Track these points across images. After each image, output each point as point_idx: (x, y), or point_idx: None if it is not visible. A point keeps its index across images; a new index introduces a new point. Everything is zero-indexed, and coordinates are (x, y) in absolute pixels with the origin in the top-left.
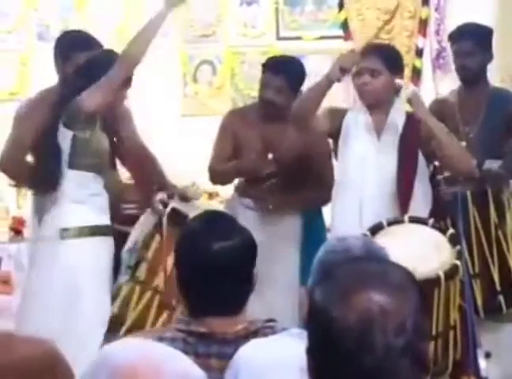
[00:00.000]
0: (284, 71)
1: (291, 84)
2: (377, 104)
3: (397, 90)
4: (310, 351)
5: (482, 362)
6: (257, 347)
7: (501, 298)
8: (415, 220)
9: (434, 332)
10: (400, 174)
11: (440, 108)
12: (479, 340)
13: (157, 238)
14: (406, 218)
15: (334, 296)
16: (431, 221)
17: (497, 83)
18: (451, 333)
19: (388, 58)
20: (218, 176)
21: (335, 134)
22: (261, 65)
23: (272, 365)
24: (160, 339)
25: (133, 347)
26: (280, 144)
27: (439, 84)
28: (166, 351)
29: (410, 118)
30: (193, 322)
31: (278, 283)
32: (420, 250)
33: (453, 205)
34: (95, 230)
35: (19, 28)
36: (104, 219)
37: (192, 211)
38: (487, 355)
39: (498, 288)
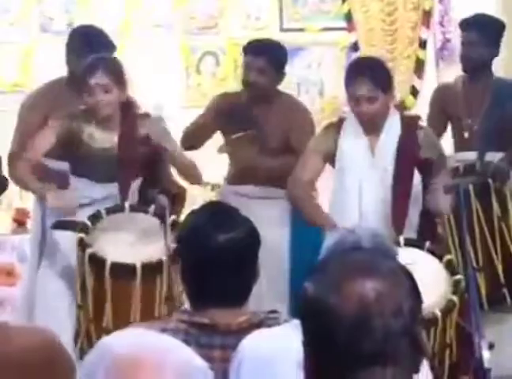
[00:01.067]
0: (264, 52)
1: (273, 65)
2: (376, 125)
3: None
4: (307, 344)
5: (485, 353)
6: (261, 338)
7: (505, 290)
8: (410, 243)
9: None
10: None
11: (443, 95)
12: (482, 332)
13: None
14: (401, 240)
15: (327, 286)
16: (427, 244)
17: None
18: (447, 351)
19: (381, 80)
20: (185, 138)
21: (331, 154)
22: (242, 50)
23: (275, 356)
24: (163, 330)
25: (134, 338)
26: (265, 126)
27: (443, 75)
28: (168, 342)
29: (405, 121)
30: (195, 313)
31: (267, 270)
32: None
33: (456, 199)
34: None
35: (22, 20)
36: None
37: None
38: (491, 346)
39: (503, 281)
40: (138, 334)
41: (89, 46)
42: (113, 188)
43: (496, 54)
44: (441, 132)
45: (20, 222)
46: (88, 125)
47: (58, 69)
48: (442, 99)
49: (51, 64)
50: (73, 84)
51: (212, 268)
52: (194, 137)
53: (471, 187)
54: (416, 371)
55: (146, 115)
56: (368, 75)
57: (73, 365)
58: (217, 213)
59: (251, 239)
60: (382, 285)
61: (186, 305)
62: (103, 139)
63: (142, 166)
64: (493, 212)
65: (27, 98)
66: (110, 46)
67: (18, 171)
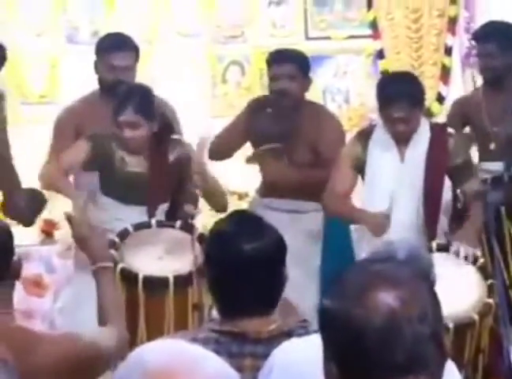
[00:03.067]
0: (291, 59)
1: (301, 71)
2: (408, 138)
3: None
4: (331, 359)
5: None
6: (291, 348)
7: None
8: (443, 248)
9: (465, 361)
10: (426, 197)
11: (463, 108)
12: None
13: None
14: (434, 246)
15: (349, 299)
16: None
17: None
18: (480, 356)
19: (418, 100)
20: (214, 149)
21: (361, 162)
22: (266, 61)
23: (305, 367)
24: (194, 340)
25: (166, 348)
26: (294, 138)
27: (469, 81)
28: (199, 352)
29: (434, 129)
30: (225, 322)
31: (298, 285)
32: (450, 287)
33: (485, 213)
34: None
35: (48, 30)
36: None
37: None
38: None
39: None
40: (169, 345)
41: (111, 47)
42: (141, 210)
43: None
44: None
45: (47, 233)
46: (119, 148)
47: (85, 79)
48: (462, 112)
49: (78, 75)
50: (105, 94)
51: (241, 276)
52: (223, 148)
53: (503, 208)
54: (441, 376)
55: (178, 141)
56: (406, 98)
57: (103, 362)
58: (244, 222)
59: (278, 247)
60: (404, 292)
61: (215, 315)
62: (134, 163)
63: (171, 189)
64: None
65: (61, 112)
66: (131, 46)
67: (49, 174)
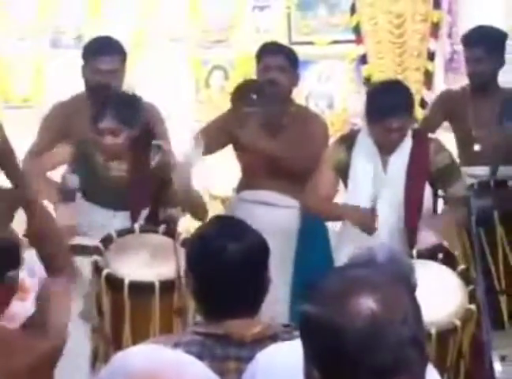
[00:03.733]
0: (282, 50)
1: (291, 63)
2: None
3: None
4: (313, 364)
5: (497, 366)
6: (275, 352)
7: None
8: (423, 255)
9: (446, 366)
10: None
11: (448, 101)
12: (494, 344)
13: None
14: (414, 253)
15: (330, 304)
16: (440, 256)
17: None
18: (462, 362)
19: (412, 109)
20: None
21: (344, 167)
22: (257, 54)
23: (288, 371)
24: (177, 343)
25: (148, 353)
26: (278, 133)
27: (452, 86)
28: (181, 357)
29: (415, 135)
30: (209, 324)
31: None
32: (432, 293)
33: (468, 219)
34: None
35: (32, 34)
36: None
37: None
38: (503, 358)
39: None
40: (152, 349)
41: (98, 51)
42: (124, 216)
43: (502, 65)
44: (432, 133)
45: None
46: (99, 154)
47: (69, 83)
48: (448, 105)
49: (62, 79)
50: (91, 98)
51: (225, 278)
52: (206, 142)
53: (495, 212)
54: (424, 378)
55: (159, 146)
56: (403, 108)
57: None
58: (226, 225)
59: (261, 250)
60: (385, 296)
61: (200, 319)
62: (116, 168)
63: (152, 194)
64: None
65: (51, 107)
66: (118, 49)
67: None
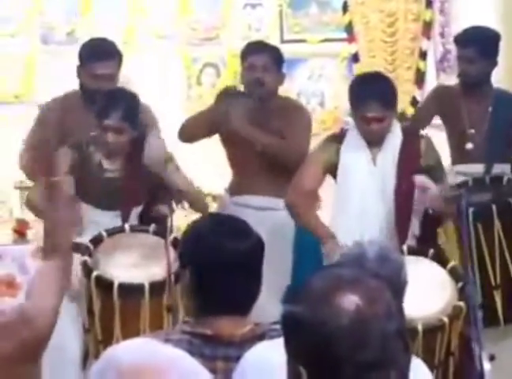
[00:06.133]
0: (267, 50)
1: (275, 62)
2: (381, 140)
3: None
4: (299, 363)
5: (486, 365)
6: (264, 350)
7: None
8: (414, 251)
9: (435, 363)
10: (397, 198)
11: (442, 96)
12: (483, 343)
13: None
14: (405, 249)
15: (315, 302)
16: (430, 252)
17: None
18: (451, 359)
19: (391, 100)
20: (187, 128)
21: (333, 165)
22: (241, 54)
23: (278, 369)
24: (166, 340)
25: (140, 347)
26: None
27: None
28: (172, 352)
29: (406, 132)
30: (198, 324)
31: (270, 283)
32: (421, 290)
33: (459, 217)
34: None
35: (23, 31)
36: None
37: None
38: (492, 358)
39: None
40: (143, 344)
41: (95, 56)
42: (114, 215)
43: (495, 65)
44: (423, 127)
45: (20, 233)
46: (98, 152)
47: (60, 79)
48: (442, 99)
49: (53, 75)
50: (87, 100)
51: (222, 275)
52: (190, 130)
53: (494, 206)
54: (409, 371)
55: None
56: (379, 98)
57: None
58: (222, 222)
59: (257, 248)
60: (368, 292)
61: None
62: (111, 168)
63: (145, 192)
64: None
65: (46, 103)
66: (115, 54)
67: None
